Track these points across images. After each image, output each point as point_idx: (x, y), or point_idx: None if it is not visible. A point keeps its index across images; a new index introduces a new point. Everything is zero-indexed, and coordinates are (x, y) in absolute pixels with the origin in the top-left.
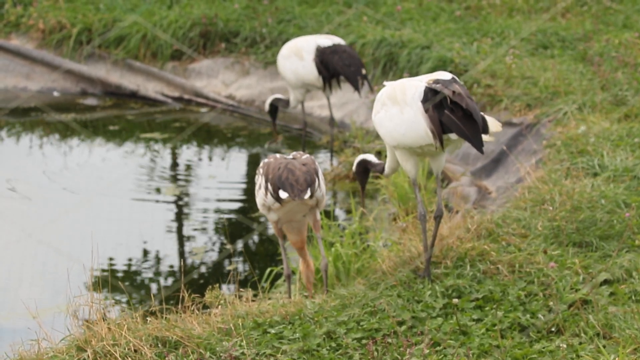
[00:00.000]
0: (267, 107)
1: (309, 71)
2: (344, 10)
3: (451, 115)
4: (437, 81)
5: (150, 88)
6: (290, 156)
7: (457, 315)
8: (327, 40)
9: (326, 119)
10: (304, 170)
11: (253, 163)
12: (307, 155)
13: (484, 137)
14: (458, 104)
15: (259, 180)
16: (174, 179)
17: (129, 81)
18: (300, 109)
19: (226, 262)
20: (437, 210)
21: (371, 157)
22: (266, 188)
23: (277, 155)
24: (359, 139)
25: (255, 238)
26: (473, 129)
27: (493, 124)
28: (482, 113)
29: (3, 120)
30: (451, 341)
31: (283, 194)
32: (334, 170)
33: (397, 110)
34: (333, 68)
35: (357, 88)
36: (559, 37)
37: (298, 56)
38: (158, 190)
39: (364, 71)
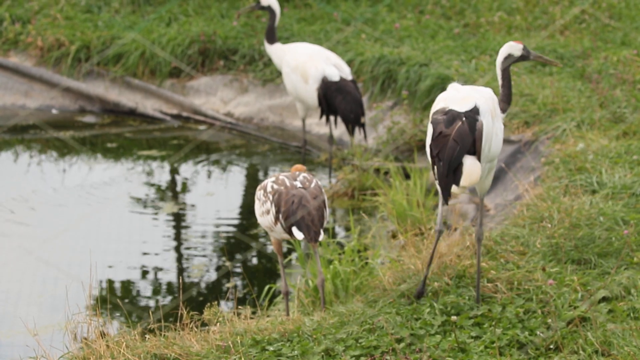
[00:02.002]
0: (267, 4)
1: (310, 97)
2: (343, 28)
3: (440, 152)
4: (447, 112)
5: (149, 105)
6: (298, 182)
7: (456, 332)
8: (334, 70)
9: (325, 136)
10: (316, 207)
11: (252, 180)
12: (315, 181)
13: (454, 188)
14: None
15: (267, 205)
16: (173, 196)
17: (128, 98)
18: (301, 127)
19: (225, 279)
20: (476, 232)
21: None
22: (276, 218)
23: (285, 179)
24: (358, 156)
25: (254, 255)
26: (442, 175)
27: (467, 178)
28: (471, 161)
29: (1, 138)
30: (450, 358)
31: (299, 235)
32: (333, 187)
33: None
34: (334, 107)
35: (351, 134)
36: (557, 54)
37: (303, 78)
38: (156, 208)
39: (363, 120)
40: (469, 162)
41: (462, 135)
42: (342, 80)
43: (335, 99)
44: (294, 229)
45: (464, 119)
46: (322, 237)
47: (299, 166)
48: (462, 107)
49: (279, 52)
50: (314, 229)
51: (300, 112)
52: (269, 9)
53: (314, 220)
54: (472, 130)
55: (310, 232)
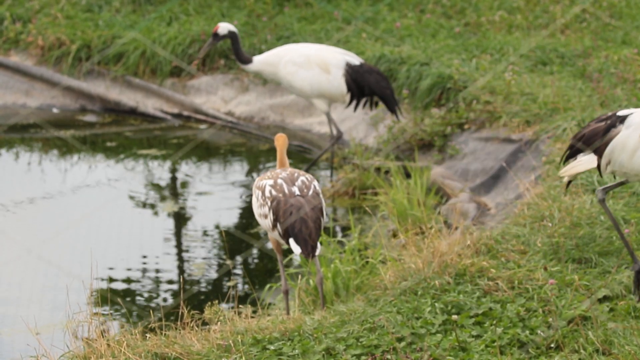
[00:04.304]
0: (226, 32)
1: (335, 86)
2: (343, 27)
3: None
4: (614, 112)
5: (150, 104)
6: (296, 189)
7: (457, 331)
8: (352, 57)
9: (326, 135)
10: (314, 218)
11: (252, 179)
12: (313, 186)
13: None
14: None
15: (265, 209)
16: (173, 195)
17: (128, 98)
18: (302, 125)
19: (225, 278)
20: None
21: None
22: (274, 226)
23: (284, 185)
24: (358, 155)
25: (255, 254)
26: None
27: (567, 170)
28: (584, 158)
29: (2, 137)
30: (450, 357)
31: (296, 249)
32: (334, 186)
33: None
34: (370, 89)
35: (394, 110)
36: (558, 53)
37: (323, 69)
38: (157, 207)
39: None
40: (581, 158)
41: (592, 134)
42: (363, 63)
43: (369, 80)
44: (292, 242)
45: (608, 121)
46: (318, 251)
47: (279, 136)
48: (623, 112)
49: (270, 60)
50: (311, 243)
51: (323, 106)
52: (230, 35)
53: (312, 234)
54: (605, 133)
55: (308, 246)
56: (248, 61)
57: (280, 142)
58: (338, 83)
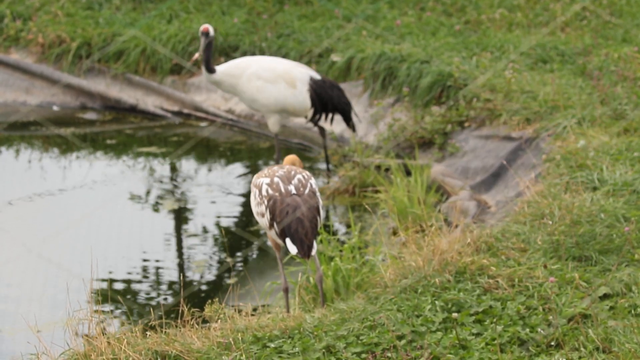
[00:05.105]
0: (212, 33)
1: (300, 101)
2: (344, 25)
3: None
4: None
5: (150, 102)
6: (293, 188)
7: (457, 329)
8: (314, 73)
9: (326, 134)
10: (310, 218)
11: (252, 177)
12: (309, 184)
13: None
14: None
15: (262, 208)
16: (173, 193)
17: (129, 95)
18: (302, 124)
19: (225, 275)
20: None
21: None
22: (271, 225)
23: (280, 184)
24: (359, 153)
25: (255, 252)
26: None
27: None
28: None
29: (2, 135)
30: (451, 355)
31: (292, 249)
32: (334, 184)
33: None
34: (332, 104)
35: (353, 128)
36: (558, 51)
37: (289, 84)
38: (157, 204)
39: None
40: None
41: None
42: (324, 78)
43: (332, 96)
44: (288, 241)
45: None
46: (314, 250)
47: (290, 157)
48: None
49: (231, 71)
50: (307, 243)
51: (275, 126)
52: (211, 40)
53: (308, 234)
54: None
55: (304, 246)
56: (213, 71)
57: (289, 161)
58: (303, 98)
